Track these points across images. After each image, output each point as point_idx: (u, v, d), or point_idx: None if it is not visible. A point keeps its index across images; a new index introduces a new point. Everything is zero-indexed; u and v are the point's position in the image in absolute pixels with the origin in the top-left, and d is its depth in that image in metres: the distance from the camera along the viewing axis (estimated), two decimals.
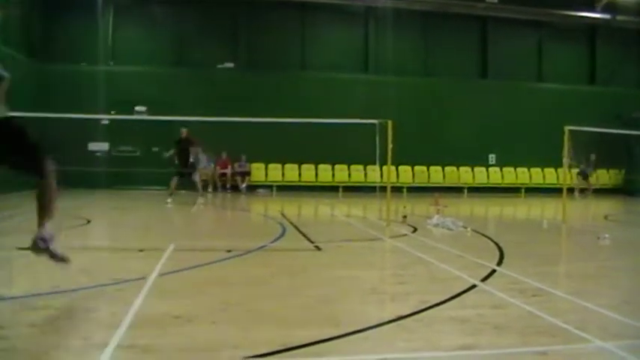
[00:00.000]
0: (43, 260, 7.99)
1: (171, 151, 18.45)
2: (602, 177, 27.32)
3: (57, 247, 5.59)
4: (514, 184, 26.77)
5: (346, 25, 27.21)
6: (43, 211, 5.67)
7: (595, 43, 28.66)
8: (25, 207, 16.12)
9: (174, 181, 17.71)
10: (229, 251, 8.62)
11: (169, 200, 16.38)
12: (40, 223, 5.60)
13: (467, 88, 26.76)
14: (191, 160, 18.37)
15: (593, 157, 23.78)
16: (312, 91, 25.07)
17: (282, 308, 5.55)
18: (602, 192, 26.00)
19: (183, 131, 18.20)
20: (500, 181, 26.82)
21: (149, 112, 22.55)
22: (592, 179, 17.14)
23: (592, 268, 8.19)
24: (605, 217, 15.47)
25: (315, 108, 21.47)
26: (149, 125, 21.77)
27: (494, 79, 27.33)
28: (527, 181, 26.92)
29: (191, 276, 6.96)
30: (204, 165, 23.47)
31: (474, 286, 6.48)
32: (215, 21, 25.82)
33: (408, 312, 5.29)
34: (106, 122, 22.92)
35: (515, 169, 27.06)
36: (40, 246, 5.48)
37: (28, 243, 8.23)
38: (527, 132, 26.02)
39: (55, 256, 5.59)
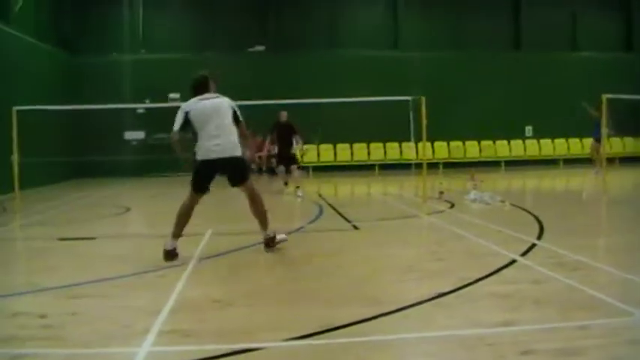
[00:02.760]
0: (85, 250, 8.19)
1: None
2: None
3: (279, 236, 7.58)
4: (552, 155, 26.32)
5: (375, 1, 26.95)
6: (261, 219, 7.43)
7: (631, 9, 27.93)
8: (64, 198, 16.46)
9: (282, 174, 15.98)
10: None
11: (299, 194, 14.81)
12: (263, 227, 7.42)
13: (500, 59, 26.31)
14: (292, 150, 15.77)
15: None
16: (344, 69, 24.92)
17: (321, 289, 5.58)
18: None
19: (283, 114, 15.59)
20: (537, 154, 26.40)
21: (183, 98, 22.67)
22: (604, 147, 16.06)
23: (634, 240, 8.03)
24: None
25: (347, 86, 21.37)
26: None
27: (528, 50, 26.81)
28: (565, 153, 26.43)
29: (230, 260, 7.02)
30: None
31: (513, 261, 6.42)
32: (244, 4, 25.79)
33: (448, 289, 5.27)
34: (142, 111, 23.08)
35: (552, 140, 26.57)
36: (272, 244, 7.44)
37: (68, 233, 8.42)
38: (564, 102, 25.47)
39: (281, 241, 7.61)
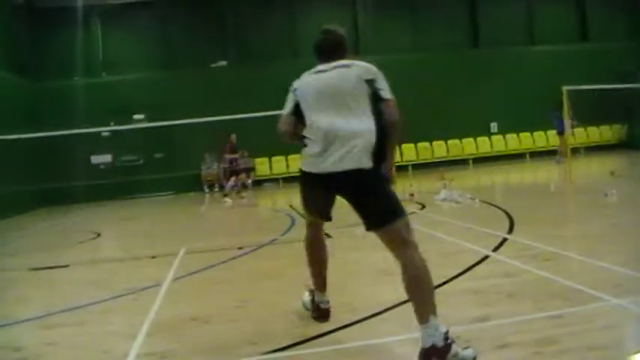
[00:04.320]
0: (57, 278, 8.10)
1: None
2: (605, 133, 27.22)
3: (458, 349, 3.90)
4: (518, 150, 26.61)
5: (334, 8, 27.05)
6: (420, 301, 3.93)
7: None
8: (34, 227, 16.26)
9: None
10: (240, 248, 8.65)
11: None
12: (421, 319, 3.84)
13: (460, 59, 26.57)
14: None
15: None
16: None
17: (297, 300, 5.57)
18: (605, 148, 25.94)
19: (233, 137, 20.19)
20: (504, 149, 26.68)
21: (147, 118, 22.55)
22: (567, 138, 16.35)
23: (602, 227, 8.18)
24: (612, 173, 15.39)
25: None
26: (149, 132, 21.81)
27: (487, 47, 27.15)
28: (530, 146, 26.77)
29: (205, 277, 7.00)
30: (208, 165, 23.54)
31: (486, 257, 6.50)
32: (203, 20, 25.74)
33: None
34: (107, 134, 22.88)
35: (517, 135, 26.89)
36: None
37: (39, 262, 8.28)
38: (526, 96, 25.82)
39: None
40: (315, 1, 26.57)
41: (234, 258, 7.60)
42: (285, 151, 24.72)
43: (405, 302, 4.96)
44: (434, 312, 3.76)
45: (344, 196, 4.20)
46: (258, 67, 25.26)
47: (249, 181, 24.29)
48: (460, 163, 25.57)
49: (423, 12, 26.94)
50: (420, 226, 9.44)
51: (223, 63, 25.37)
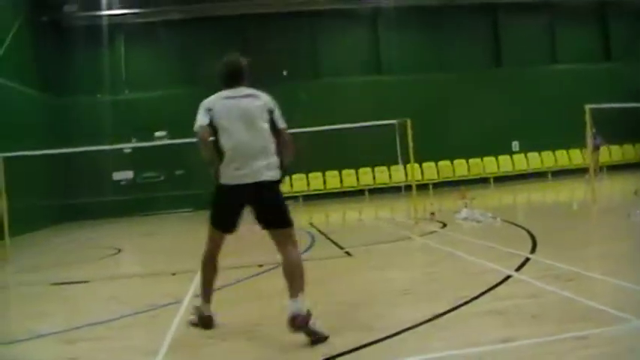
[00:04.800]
0: (79, 293, 8.13)
1: None
2: (628, 152, 26.96)
3: (315, 322, 4.81)
4: (540, 168, 26.41)
5: (355, 28, 27.11)
6: (293, 283, 5.01)
7: (607, 19, 28.25)
8: (56, 242, 16.38)
9: None
10: (261, 266, 8.62)
11: None
12: (292, 295, 4.94)
13: (482, 77, 26.51)
14: None
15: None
16: (328, 97, 25.01)
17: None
18: (628, 167, 25.64)
19: None
20: (525, 168, 26.49)
21: (169, 135, 22.69)
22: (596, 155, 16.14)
23: (625, 247, 8.07)
24: (635, 193, 15.23)
25: (332, 114, 21.36)
26: (171, 148, 21.94)
27: (509, 66, 27.07)
28: (553, 165, 26.57)
29: (224, 294, 6.96)
30: None
31: (508, 277, 6.42)
32: (224, 36, 25.90)
33: (443, 310, 5.25)
34: (128, 150, 23.08)
35: (539, 153, 26.69)
36: (298, 323, 4.76)
37: (60, 277, 8.34)
38: (548, 115, 25.68)
39: (313, 334, 4.76)
40: (336, 22, 26.64)
41: (253, 275, 7.58)
42: (307, 169, 24.78)
43: (424, 322, 4.92)
44: (302, 290, 4.96)
45: (254, 204, 5.08)
46: (279, 84, 25.36)
47: None
48: (481, 181, 25.42)
49: (445, 31, 26.91)
50: (440, 244, 9.39)
51: None
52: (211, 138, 5.14)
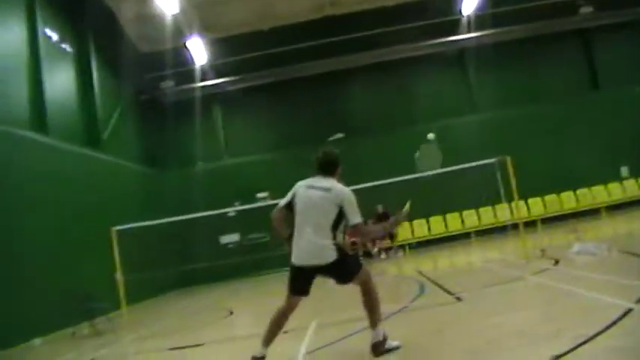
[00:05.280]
0: (195, 357, 8.31)
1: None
2: None
3: (390, 342, 6.25)
4: None
5: (443, 70, 27.13)
6: (370, 315, 6.24)
7: None
8: (170, 308, 16.86)
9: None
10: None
11: None
12: (371, 325, 6.24)
13: (580, 103, 25.70)
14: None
15: None
16: (425, 143, 24.91)
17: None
18: None
19: (379, 207, 21.05)
20: (638, 193, 25.25)
21: (270, 196, 23.14)
22: None
23: None
24: None
25: None
26: (272, 208, 22.33)
27: (607, 88, 26.19)
28: None
29: (337, 349, 6.96)
30: None
31: (629, 310, 6.11)
32: (315, 96, 26.47)
33: (564, 350, 5.04)
34: (233, 214, 23.64)
35: None
36: (380, 350, 6.14)
37: (177, 342, 8.60)
38: None
39: (391, 350, 6.21)
40: (424, 66, 26.70)
41: (365, 329, 7.52)
42: (411, 217, 24.59)
43: None
44: (380, 321, 6.23)
45: (317, 275, 6.12)
46: (376, 136, 25.57)
47: (376, 249, 24.24)
48: (592, 212, 24.39)
49: (535, 61, 26.44)
50: (554, 282, 9.07)
51: (340, 135, 25.77)
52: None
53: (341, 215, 6.03)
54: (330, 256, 5.95)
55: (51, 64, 17.49)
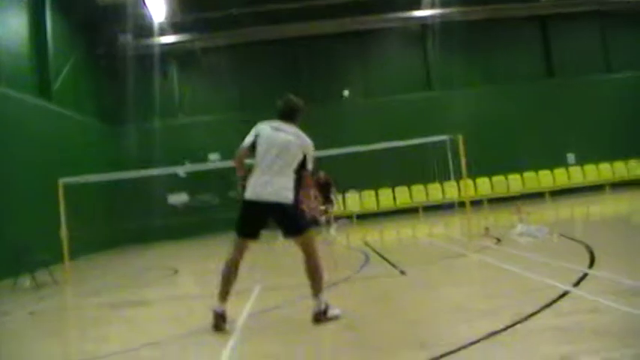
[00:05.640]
0: (137, 314, 8.28)
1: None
2: None
3: (331, 311, 6.28)
4: (597, 181, 25.73)
5: (404, 45, 27.19)
6: (313, 283, 6.31)
7: None
8: (113, 265, 16.72)
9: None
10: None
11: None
12: (314, 293, 6.30)
13: (534, 90, 26.16)
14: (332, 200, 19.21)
15: None
16: (379, 115, 25.07)
17: (372, 337, 5.53)
18: None
19: (321, 174, 18.78)
20: (582, 181, 25.87)
21: (222, 158, 22.97)
22: None
23: None
24: None
25: (383, 132, 21.34)
26: (223, 172, 22.19)
27: (561, 77, 26.64)
28: (610, 177, 25.89)
29: (279, 314, 7.00)
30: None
31: (566, 293, 6.29)
32: (274, 60, 26.27)
33: (501, 327, 5.17)
34: (183, 175, 23.39)
35: (596, 165, 26.06)
36: (320, 318, 6.19)
37: (119, 299, 8.55)
38: (604, 125, 25.19)
39: (333, 318, 6.25)
40: (384, 40, 26.77)
41: (309, 295, 7.58)
42: (360, 188, 24.82)
43: (483, 339, 4.86)
44: (320, 291, 6.26)
45: (273, 219, 6.22)
46: (329, 105, 25.55)
47: (323, 218, 24.33)
48: (537, 196, 24.97)
49: (494, 44, 26.70)
50: (496, 261, 9.26)
51: None
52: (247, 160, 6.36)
53: (304, 161, 6.30)
54: (287, 197, 6.13)
55: (2, 9, 16.94)
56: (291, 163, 6.24)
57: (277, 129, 6.38)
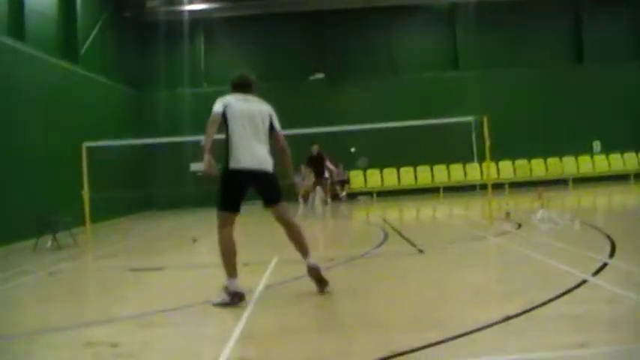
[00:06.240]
0: (155, 280, 8.38)
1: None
2: None
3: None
4: (622, 171, 25.37)
5: (432, 24, 26.84)
6: (300, 246, 6.60)
7: None
8: (134, 230, 16.87)
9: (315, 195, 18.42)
10: (332, 260, 8.68)
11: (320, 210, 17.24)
12: (304, 255, 6.58)
13: (563, 74, 25.79)
14: (326, 175, 18.57)
15: None
16: (404, 93, 24.89)
17: (387, 314, 5.54)
18: None
19: (315, 148, 17.96)
20: (607, 169, 25.55)
21: None
22: None
23: None
24: None
25: (408, 110, 21.18)
26: None
27: (591, 62, 26.20)
28: (635, 167, 25.50)
29: (296, 287, 7.03)
30: (303, 176, 23.76)
31: (584, 282, 6.24)
32: (301, 32, 26.12)
33: (517, 311, 5.15)
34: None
35: (622, 155, 25.70)
36: (315, 276, 6.51)
37: (138, 264, 8.62)
38: (632, 114, 24.83)
39: (322, 281, 6.54)
40: (413, 18, 26.39)
41: (325, 269, 7.61)
42: (381, 165, 24.77)
43: (496, 323, 4.85)
44: (309, 252, 6.54)
45: (256, 188, 6.41)
46: (355, 81, 25.40)
47: (344, 193, 24.41)
48: (560, 183, 24.73)
49: (524, 27, 26.24)
50: (515, 246, 9.22)
51: (321, 75, 25.60)
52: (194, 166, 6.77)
53: (271, 126, 6.62)
54: (271, 164, 6.46)
55: None
56: (266, 130, 6.55)
57: (247, 100, 6.61)
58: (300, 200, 19.41)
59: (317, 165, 17.88)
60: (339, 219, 17.99)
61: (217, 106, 6.47)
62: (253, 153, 6.33)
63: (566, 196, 20.56)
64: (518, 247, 9.02)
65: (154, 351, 4.85)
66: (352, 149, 24.21)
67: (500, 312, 5.15)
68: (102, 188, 15.17)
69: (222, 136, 6.48)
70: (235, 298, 6.14)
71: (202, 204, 23.79)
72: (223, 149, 6.46)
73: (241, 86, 6.79)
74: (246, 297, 6.29)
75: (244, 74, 6.98)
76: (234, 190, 6.43)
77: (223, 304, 6.11)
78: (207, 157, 6.31)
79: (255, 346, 4.79)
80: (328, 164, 18.49)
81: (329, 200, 20.27)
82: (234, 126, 6.38)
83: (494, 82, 25.07)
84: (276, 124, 6.69)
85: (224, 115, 6.41)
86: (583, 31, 26.53)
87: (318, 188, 17.97)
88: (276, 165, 6.53)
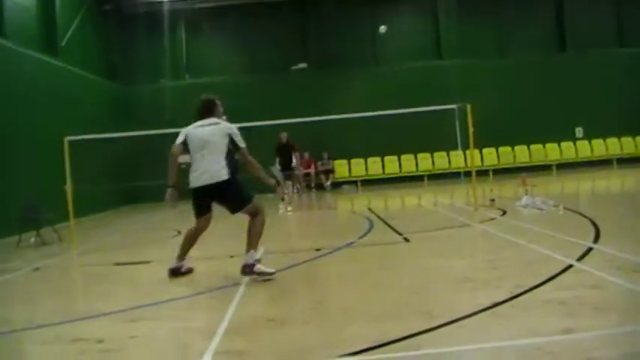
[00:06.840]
0: (140, 274, 8.33)
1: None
2: None
3: (260, 267, 6.87)
4: (604, 156, 25.54)
5: (415, 14, 26.81)
6: (250, 241, 7.04)
7: None
8: (118, 224, 16.78)
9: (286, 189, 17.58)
10: (318, 250, 8.68)
11: (289, 209, 16.04)
12: (247, 249, 6.97)
13: (545, 62, 25.83)
14: (294, 164, 17.97)
15: None
16: (388, 82, 24.87)
17: (373, 303, 5.54)
18: None
19: (284, 136, 17.75)
20: (589, 155, 25.72)
21: (229, 120, 22.86)
22: None
23: None
24: None
25: (392, 99, 21.16)
26: None
27: (573, 50, 26.29)
28: (618, 152, 25.69)
29: (282, 278, 7.02)
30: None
31: (570, 267, 6.28)
32: (284, 23, 26.01)
33: (503, 298, 5.17)
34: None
35: (604, 140, 25.87)
36: (247, 271, 6.85)
37: (123, 258, 8.58)
38: (614, 101, 24.94)
39: (261, 274, 6.85)
40: (397, 7, 26.32)
41: (311, 260, 7.62)
42: (365, 154, 24.78)
43: (483, 310, 4.87)
44: (255, 248, 6.99)
45: (213, 198, 7.26)
46: (339, 70, 25.33)
47: (329, 182, 24.42)
48: (543, 168, 24.85)
49: (507, 15, 26.29)
50: (500, 232, 9.25)
51: (304, 65, 25.50)
52: (182, 158, 7.46)
53: (232, 143, 7.14)
54: (223, 175, 7.01)
55: None
56: (220, 150, 7.11)
57: (202, 126, 7.28)
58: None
59: (285, 154, 17.56)
60: (324, 209, 17.97)
61: (178, 138, 7.42)
62: (203, 172, 7.12)
63: (549, 181, 20.66)
64: (504, 233, 9.05)
65: (141, 346, 4.82)
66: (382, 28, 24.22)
67: (487, 298, 5.17)
68: (86, 182, 15.05)
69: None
70: (172, 275, 7.43)
71: (186, 196, 23.74)
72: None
73: (199, 112, 7.47)
74: (233, 289, 6.27)
75: (202, 99, 7.59)
76: (196, 203, 7.50)
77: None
78: (169, 191, 7.59)
79: (243, 338, 4.77)
80: (294, 155, 17.94)
81: (302, 188, 20.02)
82: (192, 151, 7.27)
83: (478, 71, 25.07)
84: (239, 142, 7.18)
85: (185, 144, 7.33)
86: (565, 18, 26.58)
87: (288, 183, 17.51)
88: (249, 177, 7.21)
